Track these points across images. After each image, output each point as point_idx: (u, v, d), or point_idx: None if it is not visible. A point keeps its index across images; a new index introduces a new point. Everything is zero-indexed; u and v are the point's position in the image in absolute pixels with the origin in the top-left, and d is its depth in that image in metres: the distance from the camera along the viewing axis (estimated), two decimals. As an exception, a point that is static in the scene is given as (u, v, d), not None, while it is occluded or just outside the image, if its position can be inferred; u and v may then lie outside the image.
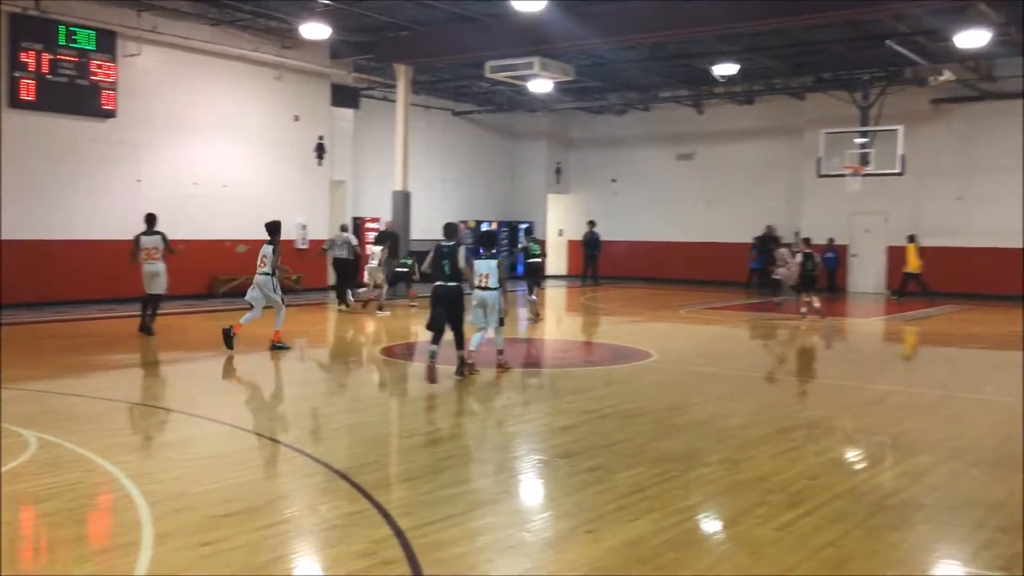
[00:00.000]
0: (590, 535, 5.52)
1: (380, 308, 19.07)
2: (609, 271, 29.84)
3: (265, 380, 11.69)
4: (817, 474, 7.01)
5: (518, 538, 5.54)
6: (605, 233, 29.88)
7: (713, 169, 29.38)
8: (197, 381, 11.41)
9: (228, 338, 12.88)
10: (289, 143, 22.86)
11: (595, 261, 29.36)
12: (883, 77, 23.59)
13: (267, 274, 13.38)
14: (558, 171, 32.53)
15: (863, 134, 22.62)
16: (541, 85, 23.27)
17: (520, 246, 19.00)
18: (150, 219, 14.78)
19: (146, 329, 14.60)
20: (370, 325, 17.41)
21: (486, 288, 11.22)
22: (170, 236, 15.19)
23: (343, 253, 19.74)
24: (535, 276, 19.07)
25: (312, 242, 23.09)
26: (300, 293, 22.04)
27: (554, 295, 26.52)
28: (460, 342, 11.17)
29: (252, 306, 13.37)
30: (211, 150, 21.07)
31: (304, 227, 23.02)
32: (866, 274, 26.20)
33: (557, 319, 20.88)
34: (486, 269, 11.25)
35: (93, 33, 18.49)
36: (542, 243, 19.44)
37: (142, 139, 19.64)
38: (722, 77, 24.03)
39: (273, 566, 4.98)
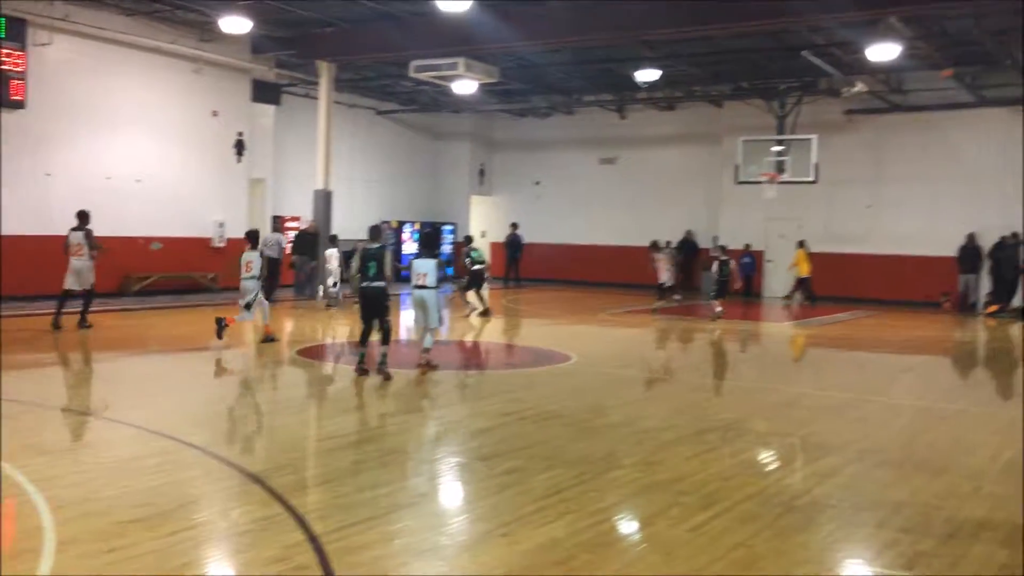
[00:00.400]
0: (505, 538, 5.53)
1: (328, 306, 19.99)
2: (531, 273, 29.98)
3: (180, 382, 11.43)
4: (730, 475, 7.15)
5: (434, 541, 5.52)
6: (528, 235, 30.00)
7: (635, 173, 29.75)
8: (108, 382, 11.10)
9: (220, 328, 13.44)
10: (207, 139, 22.38)
11: (517, 263, 29.45)
12: (799, 87, 24.21)
13: (254, 278, 13.80)
14: (482, 172, 32.56)
15: (779, 142, 23.18)
16: (465, 86, 23.24)
17: (465, 254, 19.66)
18: (80, 216, 15.02)
19: (56, 326, 14.51)
20: (288, 325, 17.16)
21: (423, 287, 11.48)
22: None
23: (273, 252, 19.51)
24: (478, 281, 19.58)
25: (230, 240, 22.66)
26: (216, 292, 21.61)
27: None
28: (387, 339, 11.17)
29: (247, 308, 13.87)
30: (126, 144, 20.50)
31: (222, 225, 22.54)
32: (780, 280, 26.81)
33: (480, 321, 20.89)
34: (424, 268, 11.54)
35: (2, 20, 17.79)
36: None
37: (52, 131, 19.00)
38: (644, 83, 24.34)
39: (181, 572, 4.87)
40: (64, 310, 14.63)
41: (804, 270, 24.58)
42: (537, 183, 31.67)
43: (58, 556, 4.97)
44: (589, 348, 14.98)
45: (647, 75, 23.34)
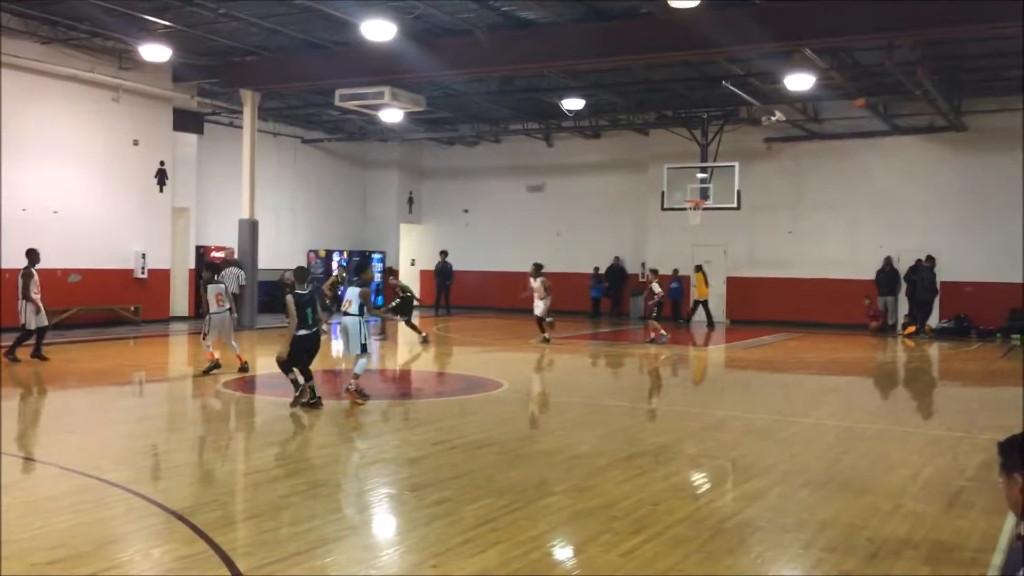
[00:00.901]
0: (435, 570, 5.47)
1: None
2: (461, 301, 29.95)
3: (99, 417, 11.08)
4: (660, 499, 7.20)
5: (364, 574, 5.43)
6: (457, 263, 30.00)
7: (563, 201, 30.01)
8: (23, 419, 10.71)
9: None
10: (128, 168, 21.93)
11: (447, 291, 29.41)
12: (720, 116, 24.76)
13: (228, 311, 13.75)
14: (410, 201, 32.50)
15: (703, 170, 23.64)
16: (392, 115, 23.25)
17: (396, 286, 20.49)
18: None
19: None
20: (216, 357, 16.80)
21: (348, 314, 11.60)
22: (-2, 265, 14.54)
23: (232, 286, 18.89)
24: (407, 310, 20.20)
25: (151, 272, 22.19)
26: (139, 325, 21.10)
27: (399, 325, 26.35)
28: (309, 376, 11.04)
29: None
30: (42, 174, 19.96)
31: (144, 256, 22.05)
32: (710, 303, 27.22)
33: (409, 349, 20.75)
34: (350, 296, 11.68)
35: (-91, 47, 17.28)
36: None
37: (-36, 161, 18.43)
38: (570, 111, 24.65)
39: (101, 616, 4.70)
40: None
41: (701, 292, 25.71)
42: (466, 211, 31.74)
43: (-32, 603, 4.76)
44: (520, 375, 14.99)
45: (573, 104, 23.66)
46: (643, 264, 26.84)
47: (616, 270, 28.65)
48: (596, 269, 28.47)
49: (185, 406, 12.29)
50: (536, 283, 20.03)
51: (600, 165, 29.47)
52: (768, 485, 7.72)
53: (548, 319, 20.12)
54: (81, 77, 20.43)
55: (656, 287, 20.55)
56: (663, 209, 24.49)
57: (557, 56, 18.60)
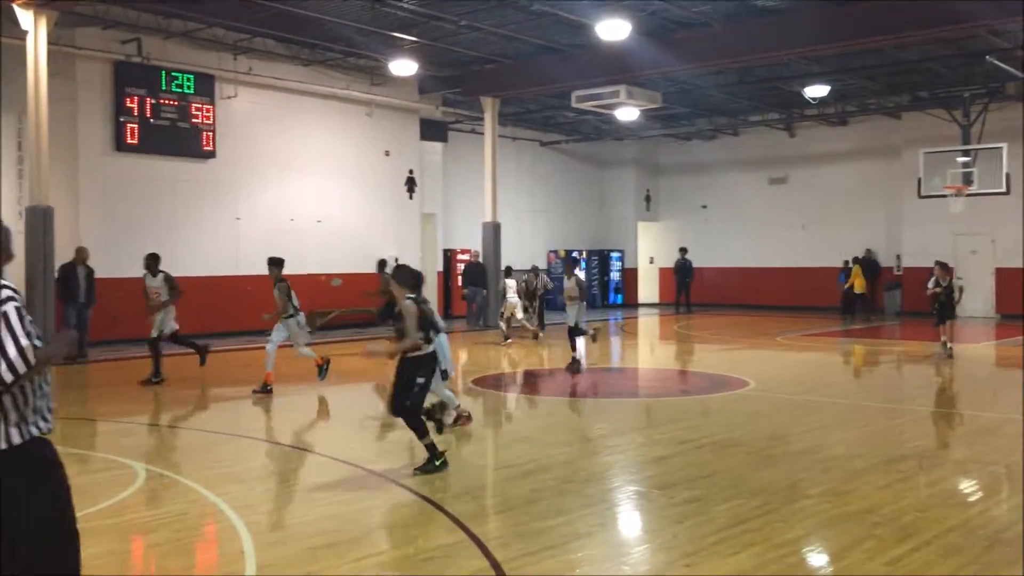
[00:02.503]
0: (689, 568, 5.40)
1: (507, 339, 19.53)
2: (701, 298, 29.43)
3: (360, 412, 11.81)
4: (927, 506, 6.73)
5: (616, 571, 5.45)
6: (696, 260, 29.52)
7: (807, 193, 28.80)
8: (294, 413, 11.62)
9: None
10: (380, 178, 23.30)
11: (687, 288, 29.00)
12: (984, 94, 22.83)
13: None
14: (647, 198, 32.34)
15: (965, 153, 21.90)
16: (628, 113, 23.23)
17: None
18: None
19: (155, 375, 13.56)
20: (463, 355, 17.50)
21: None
22: (268, 272, 15.51)
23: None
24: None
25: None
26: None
27: (647, 323, 26.29)
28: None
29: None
30: (306, 186, 21.61)
31: (396, 260, 23.34)
32: (974, 298, 25.20)
33: (650, 347, 20.68)
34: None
35: (192, 77, 19.22)
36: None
37: (240, 178, 20.28)
38: (813, 99, 23.61)
39: (372, 598, 5.00)
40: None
41: (859, 286, 25.38)
42: (704, 207, 31.17)
43: (258, 579, 5.22)
44: (766, 373, 14.52)
45: (816, 91, 22.65)
46: (898, 256, 25.24)
47: (869, 263, 27.11)
48: (846, 263, 27.08)
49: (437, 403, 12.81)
50: (570, 283, 16.09)
51: (847, 153, 28.01)
52: (1054, 494, 7.02)
53: (589, 331, 16.62)
54: (338, 95, 21.93)
55: (936, 282, 16.84)
56: (920, 197, 22.91)
57: (798, 42, 17.86)
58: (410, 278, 8.11)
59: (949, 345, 16.56)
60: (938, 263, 17.11)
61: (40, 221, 15.47)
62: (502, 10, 17.51)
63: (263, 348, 13.11)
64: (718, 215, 30.76)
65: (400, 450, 9.35)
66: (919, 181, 22.60)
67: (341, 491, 7.29)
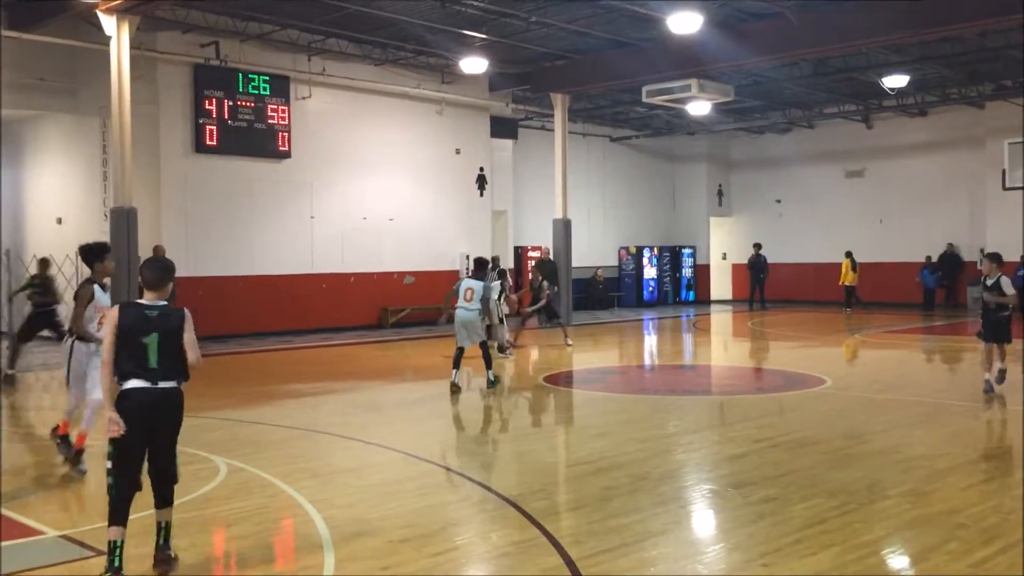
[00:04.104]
0: (766, 568, 5.34)
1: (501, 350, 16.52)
2: (776, 295, 28.96)
3: (435, 408, 11.93)
4: (1013, 508, 6.53)
5: (691, 570, 5.42)
6: (771, 255, 29.05)
7: (885, 186, 28.13)
8: (371, 409, 11.78)
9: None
10: (451, 175, 23.46)
11: (762, 284, 28.56)
12: (1071, 81, 22.03)
13: (476, 309, 12.51)
14: (720, 193, 31.93)
15: (1052, 142, 21.15)
16: (699, 107, 22.99)
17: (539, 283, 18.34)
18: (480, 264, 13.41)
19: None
20: (533, 354, 17.53)
21: (467, 308, 12.43)
22: (341, 270, 15.64)
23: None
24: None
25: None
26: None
27: (720, 320, 26.01)
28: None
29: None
30: (378, 185, 21.87)
31: (468, 257, 23.48)
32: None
33: (724, 344, 20.45)
34: (473, 286, 12.50)
35: (268, 78, 19.61)
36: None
37: (314, 177, 20.62)
38: (892, 89, 23.05)
39: (448, 592, 5.05)
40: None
41: (848, 278, 26.04)
42: (778, 201, 30.67)
43: (338, 572, 5.31)
44: (843, 371, 14.26)
45: (895, 81, 22.11)
46: (981, 251, 24.45)
47: (951, 258, 26.38)
48: (928, 258, 26.38)
49: (506, 399, 12.90)
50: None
51: (927, 144, 27.26)
52: None
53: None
54: (409, 93, 22.13)
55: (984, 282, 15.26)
56: (1004, 189, 22.21)
57: (876, 31, 17.43)
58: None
59: (1001, 369, 11.63)
60: (986, 255, 12.23)
61: (124, 222, 15.93)
62: (572, 5, 17.48)
63: (334, 345, 13.29)
64: (793, 210, 30.23)
65: (473, 447, 9.43)
66: (1003, 172, 21.93)
67: (418, 486, 7.38)
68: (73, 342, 7.78)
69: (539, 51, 20.78)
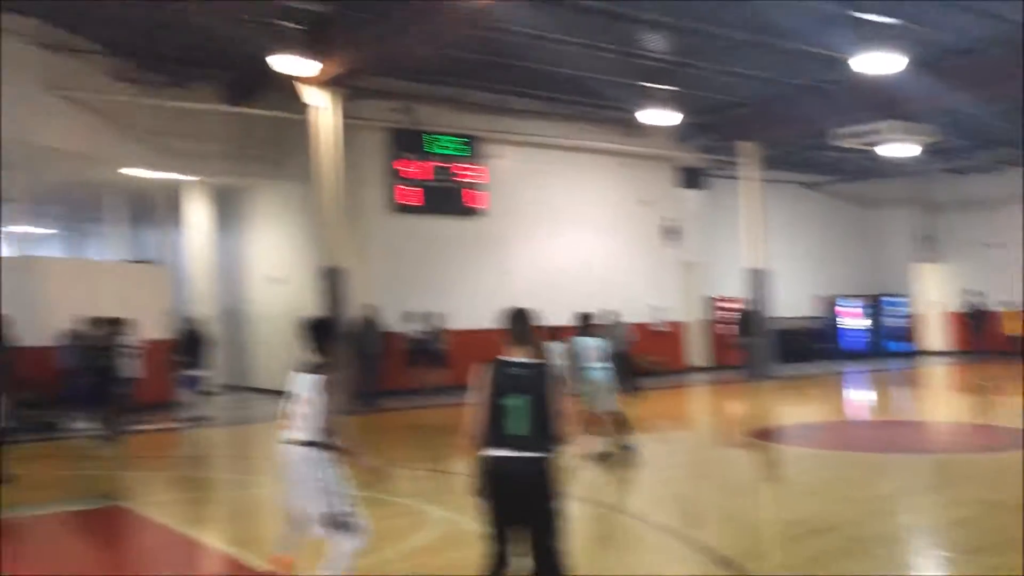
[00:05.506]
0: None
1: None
2: (997, 345, 26.70)
3: (631, 462, 11.78)
4: None
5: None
6: (990, 301, 26.99)
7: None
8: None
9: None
10: (637, 227, 23.48)
11: (980, 333, 26.56)
12: None
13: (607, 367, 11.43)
14: (924, 238, 30.18)
15: None
16: (899, 149, 21.96)
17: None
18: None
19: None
20: (736, 406, 17.08)
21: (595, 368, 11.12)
22: (536, 322, 15.77)
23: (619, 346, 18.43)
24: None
25: (666, 324, 23.46)
26: (662, 376, 22.20)
27: (935, 372, 24.51)
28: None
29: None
30: (568, 238, 22.16)
31: (658, 309, 23.39)
32: None
33: (941, 398, 19.25)
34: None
35: (460, 140, 20.39)
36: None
37: (507, 233, 21.13)
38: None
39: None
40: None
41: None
42: (990, 245, 28.45)
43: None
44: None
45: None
46: None
47: None
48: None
49: (711, 454, 12.60)
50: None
51: None
52: None
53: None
54: (593, 147, 22.39)
55: None
56: None
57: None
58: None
59: None
60: None
61: (332, 281, 16.81)
62: (757, 51, 17.21)
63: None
64: (1012, 253, 27.91)
65: (677, 503, 9.26)
66: None
67: (621, 542, 7.31)
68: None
69: (724, 99, 20.59)
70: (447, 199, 20.26)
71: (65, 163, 17.97)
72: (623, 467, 10.70)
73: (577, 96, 20.30)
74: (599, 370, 10.99)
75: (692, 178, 25.06)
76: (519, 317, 4.87)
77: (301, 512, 5.56)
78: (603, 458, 10.68)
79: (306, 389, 5.53)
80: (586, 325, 11.48)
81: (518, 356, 4.76)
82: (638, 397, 16.26)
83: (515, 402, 4.55)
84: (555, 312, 20.19)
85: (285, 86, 16.71)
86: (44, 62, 15.92)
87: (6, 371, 11.71)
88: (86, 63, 16.93)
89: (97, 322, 14.32)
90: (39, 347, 15.15)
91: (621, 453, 10.92)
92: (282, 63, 15.17)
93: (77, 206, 24.25)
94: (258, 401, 19.09)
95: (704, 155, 24.77)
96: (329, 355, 5.67)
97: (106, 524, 9.08)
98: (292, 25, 15.16)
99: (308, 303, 16.90)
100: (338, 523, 5.42)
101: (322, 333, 5.81)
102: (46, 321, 15.89)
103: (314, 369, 5.55)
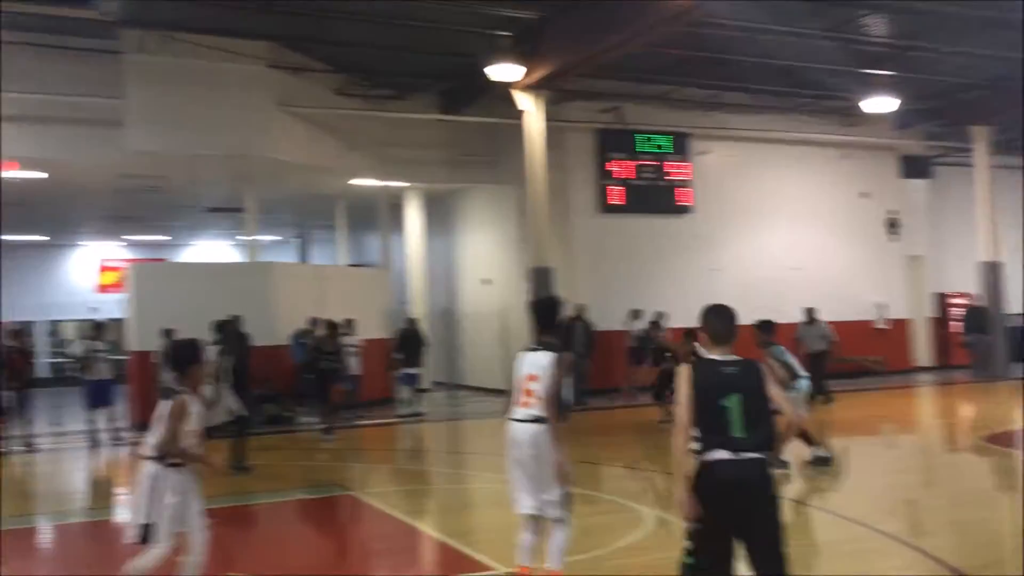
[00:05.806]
0: None
1: None
2: None
3: (860, 466, 11.22)
4: None
5: None
6: None
7: None
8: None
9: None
10: (858, 220, 22.35)
11: None
12: None
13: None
14: None
15: None
16: None
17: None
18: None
19: None
20: (966, 408, 15.94)
21: None
22: (742, 320, 15.32)
23: (818, 344, 17.32)
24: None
25: (890, 321, 22.22)
26: (884, 376, 21.07)
27: None
28: None
29: None
30: (780, 234, 21.40)
31: (881, 306, 22.18)
32: None
33: None
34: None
35: (668, 137, 20.14)
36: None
37: (716, 230, 20.65)
38: None
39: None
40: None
41: None
42: None
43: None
44: None
45: None
46: None
47: None
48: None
49: (942, 459, 11.80)
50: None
51: None
52: None
53: None
54: (809, 139, 21.48)
55: None
56: None
57: None
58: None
59: None
60: None
61: (542, 281, 17.04)
62: (991, 29, 15.94)
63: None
64: None
65: (909, 510, 8.72)
66: None
67: (850, 550, 6.97)
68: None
69: (952, 82, 19.20)
70: (655, 197, 20.10)
71: (295, 175, 19.19)
72: (826, 473, 10.13)
73: (792, 87, 19.53)
74: (803, 378, 10.46)
75: (917, 167, 23.57)
76: (720, 313, 4.63)
77: (530, 498, 5.52)
78: (819, 463, 10.16)
79: (535, 367, 5.58)
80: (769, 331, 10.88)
81: (720, 354, 4.50)
82: (827, 402, 15.50)
83: (731, 402, 4.30)
84: (773, 312, 19.61)
85: (496, 92, 17.11)
86: (275, 81, 17.06)
87: (245, 368, 12.66)
88: (313, 81, 18.03)
89: (323, 323, 15.25)
90: (272, 346, 16.28)
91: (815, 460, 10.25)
92: (494, 70, 15.59)
93: (304, 214, 25.93)
94: (469, 398, 19.67)
95: (930, 142, 23.24)
96: (556, 335, 5.79)
97: (336, 511, 9.65)
98: (502, 33, 15.54)
99: (517, 304, 17.19)
100: (564, 503, 5.47)
101: (550, 313, 5.94)
102: (278, 322, 17.04)
103: (543, 348, 5.65)
